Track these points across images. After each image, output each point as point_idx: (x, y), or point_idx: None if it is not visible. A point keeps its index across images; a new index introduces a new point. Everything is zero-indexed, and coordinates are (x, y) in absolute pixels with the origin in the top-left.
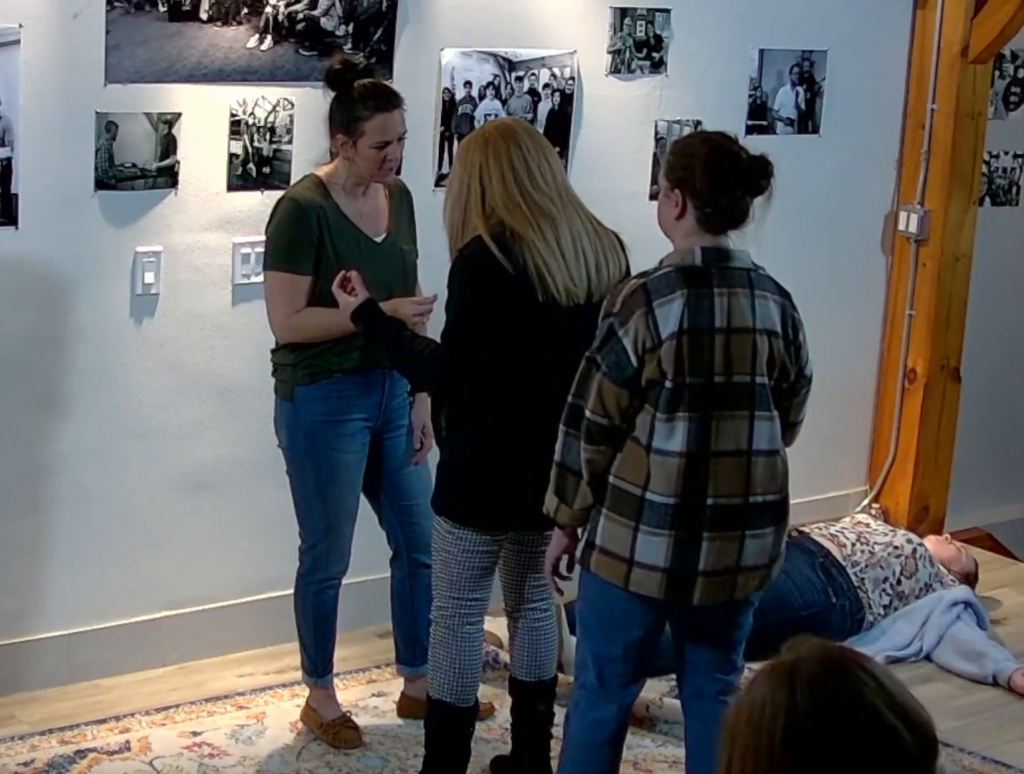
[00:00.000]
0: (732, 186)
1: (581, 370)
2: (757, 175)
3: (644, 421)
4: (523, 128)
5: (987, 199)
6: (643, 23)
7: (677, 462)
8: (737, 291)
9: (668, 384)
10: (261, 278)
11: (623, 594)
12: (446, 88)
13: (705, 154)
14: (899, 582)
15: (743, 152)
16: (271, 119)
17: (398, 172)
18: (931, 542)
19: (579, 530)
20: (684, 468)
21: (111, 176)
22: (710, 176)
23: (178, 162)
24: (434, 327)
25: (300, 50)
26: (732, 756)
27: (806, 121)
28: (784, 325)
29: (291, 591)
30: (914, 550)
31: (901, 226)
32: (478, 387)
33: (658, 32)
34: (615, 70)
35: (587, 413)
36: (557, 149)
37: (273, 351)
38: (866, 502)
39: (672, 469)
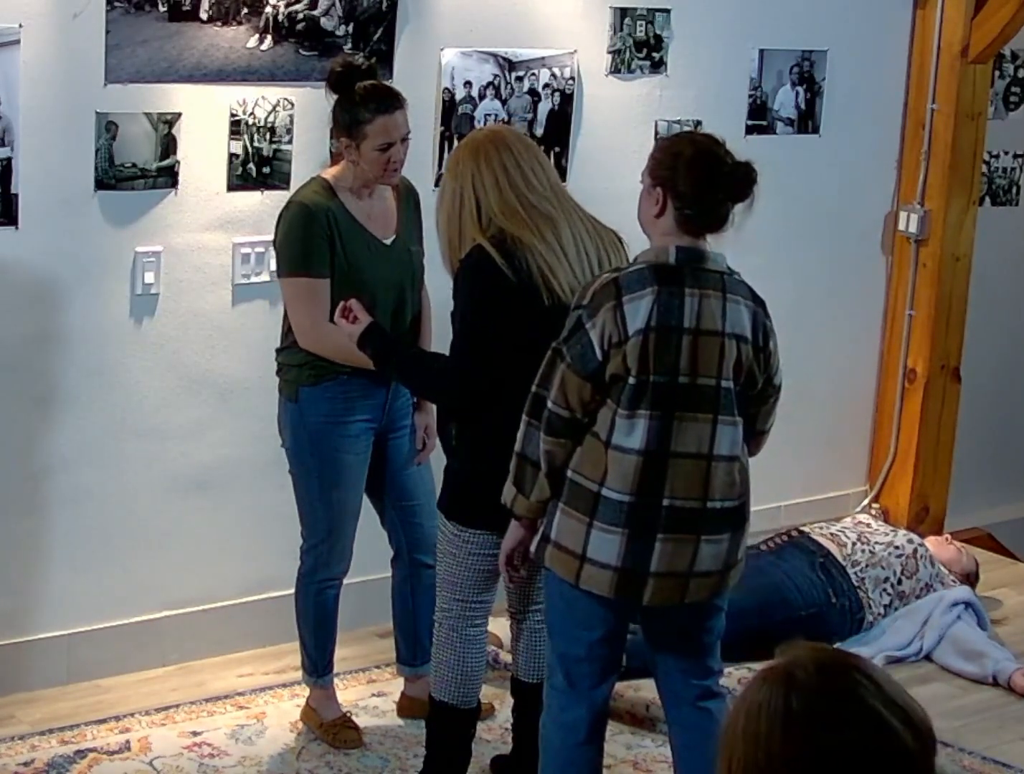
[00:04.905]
0: (715, 190)
1: (546, 360)
2: (741, 182)
3: (605, 416)
4: (511, 132)
5: (987, 199)
6: (643, 23)
7: (635, 460)
8: (709, 293)
9: (631, 380)
10: (261, 278)
11: (581, 593)
12: (446, 88)
13: (691, 156)
14: (900, 582)
15: (729, 157)
16: (271, 119)
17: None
18: (931, 543)
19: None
20: (642, 466)
21: (111, 176)
22: (694, 178)
23: (178, 162)
24: (441, 338)
25: (300, 50)
26: (731, 763)
27: (806, 121)
28: (754, 331)
29: (291, 591)
30: (915, 550)
31: (901, 226)
32: (489, 396)
33: (658, 32)
34: (615, 70)
35: (549, 404)
36: (557, 149)
37: (278, 351)
38: (866, 502)
39: (629, 467)
